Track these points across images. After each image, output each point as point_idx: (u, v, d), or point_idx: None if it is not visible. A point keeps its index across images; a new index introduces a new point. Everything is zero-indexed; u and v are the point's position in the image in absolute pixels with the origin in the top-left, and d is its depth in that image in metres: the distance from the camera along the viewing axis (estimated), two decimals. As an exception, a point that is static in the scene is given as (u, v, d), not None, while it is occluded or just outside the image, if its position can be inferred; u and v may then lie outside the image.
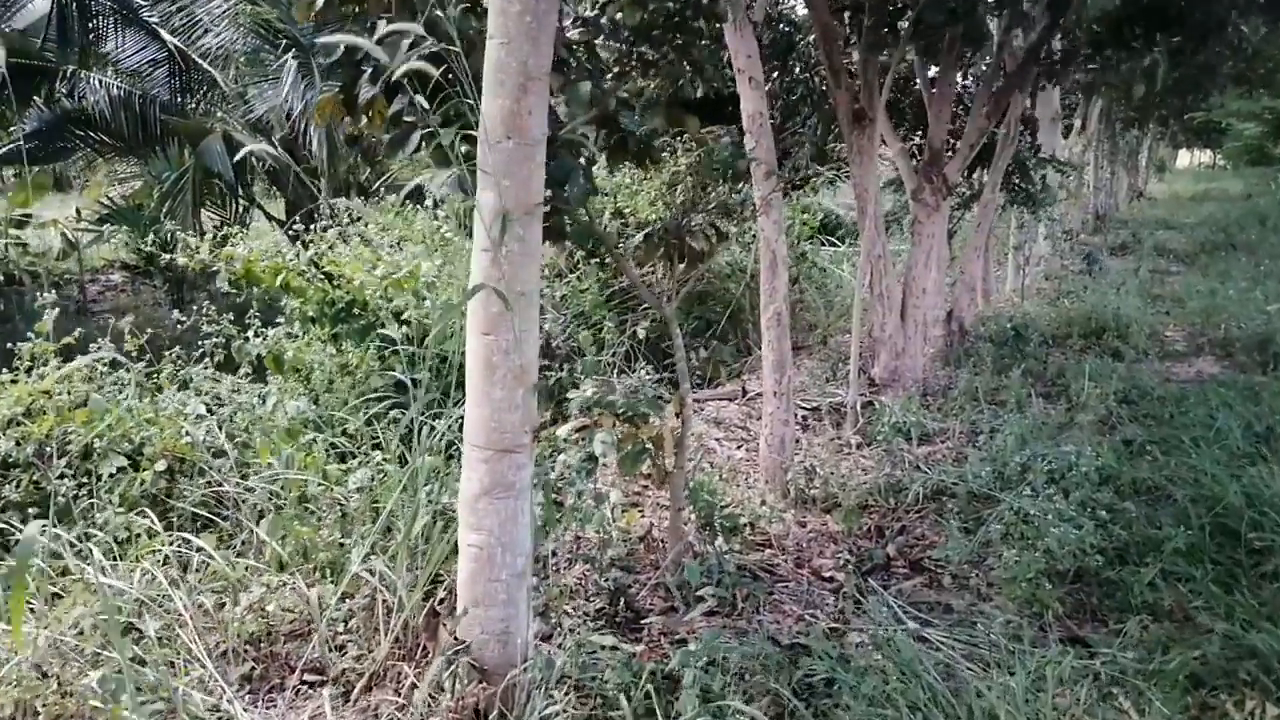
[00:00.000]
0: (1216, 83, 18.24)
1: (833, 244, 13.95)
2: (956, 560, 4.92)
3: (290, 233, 10.81)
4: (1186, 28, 8.05)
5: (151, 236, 10.15)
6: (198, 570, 4.31)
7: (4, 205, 15.07)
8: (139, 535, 4.44)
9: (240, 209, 14.56)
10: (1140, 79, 13.82)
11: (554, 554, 4.69)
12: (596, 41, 4.98)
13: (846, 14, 8.23)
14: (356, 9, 4.15)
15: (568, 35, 4.52)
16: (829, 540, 5.43)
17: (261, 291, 6.67)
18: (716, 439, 7.09)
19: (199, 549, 4.25)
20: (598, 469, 4.73)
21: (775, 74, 10.26)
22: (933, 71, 8.63)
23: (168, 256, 7.72)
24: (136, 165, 15.78)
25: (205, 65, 13.93)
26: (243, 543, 4.62)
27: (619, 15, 4.31)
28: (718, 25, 5.22)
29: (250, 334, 6.29)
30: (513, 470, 3.41)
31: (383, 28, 3.59)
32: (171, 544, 4.29)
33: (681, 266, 5.03)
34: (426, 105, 3.40)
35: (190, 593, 4.02)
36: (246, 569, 4.32)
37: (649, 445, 4.69)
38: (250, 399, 5.67)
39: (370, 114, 4.14)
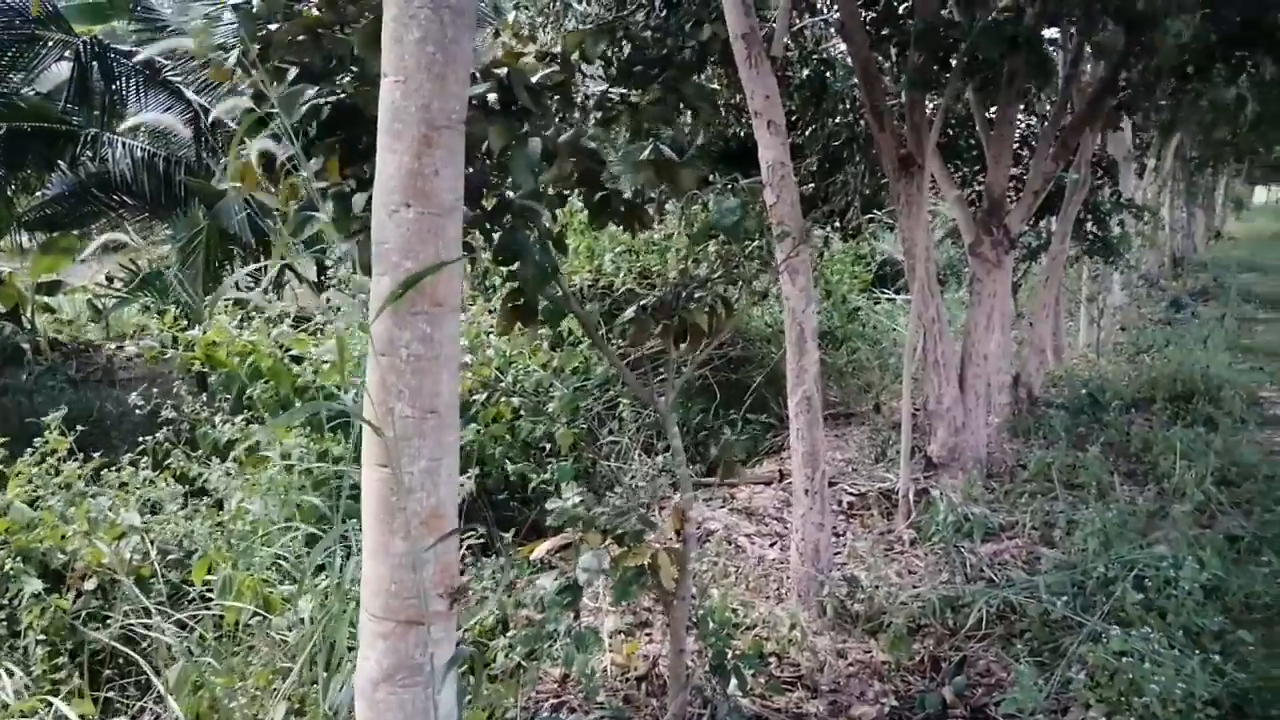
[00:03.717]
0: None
1: (889, 297, 12.98)
2: (1029, 711, 3.93)
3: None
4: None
5: (156, 305, 9.58)
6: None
7: (30, 272, 14.72)
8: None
9: (269, 271, 14.01)
10: (1225, 114, 12.74)
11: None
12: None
13: (892, 48, 7.39)
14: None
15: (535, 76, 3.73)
16: (872, 675, 4.46)
17: (232, 375, 5.94)
18: (747, 534, 6.16)
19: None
20: (581, 599, 3.87)
21: (811, 116, 9.46)
22: (992, 111, 7.72)
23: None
24: (168, 228, 15.42)
25: (232, 124, 13.46)
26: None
27: (576, 54, 3.51)
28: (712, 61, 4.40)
29: (217, 420, 5.57)
30: (420, 649, 2.55)
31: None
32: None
33: (684, 345, 4.18)
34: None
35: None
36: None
37: (645, 568, 3.81)
38: (202, 502, 4.92)
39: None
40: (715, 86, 9.98)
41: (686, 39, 3.88)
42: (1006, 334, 8.55)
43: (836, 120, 9.01)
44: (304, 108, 3.20)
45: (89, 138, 12.94)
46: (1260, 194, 61.22)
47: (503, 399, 5.84)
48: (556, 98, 3.77)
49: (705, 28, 3.82)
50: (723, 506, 6.55)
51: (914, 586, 5.31)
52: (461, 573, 2.93)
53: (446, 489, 2.58)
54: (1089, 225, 9.81)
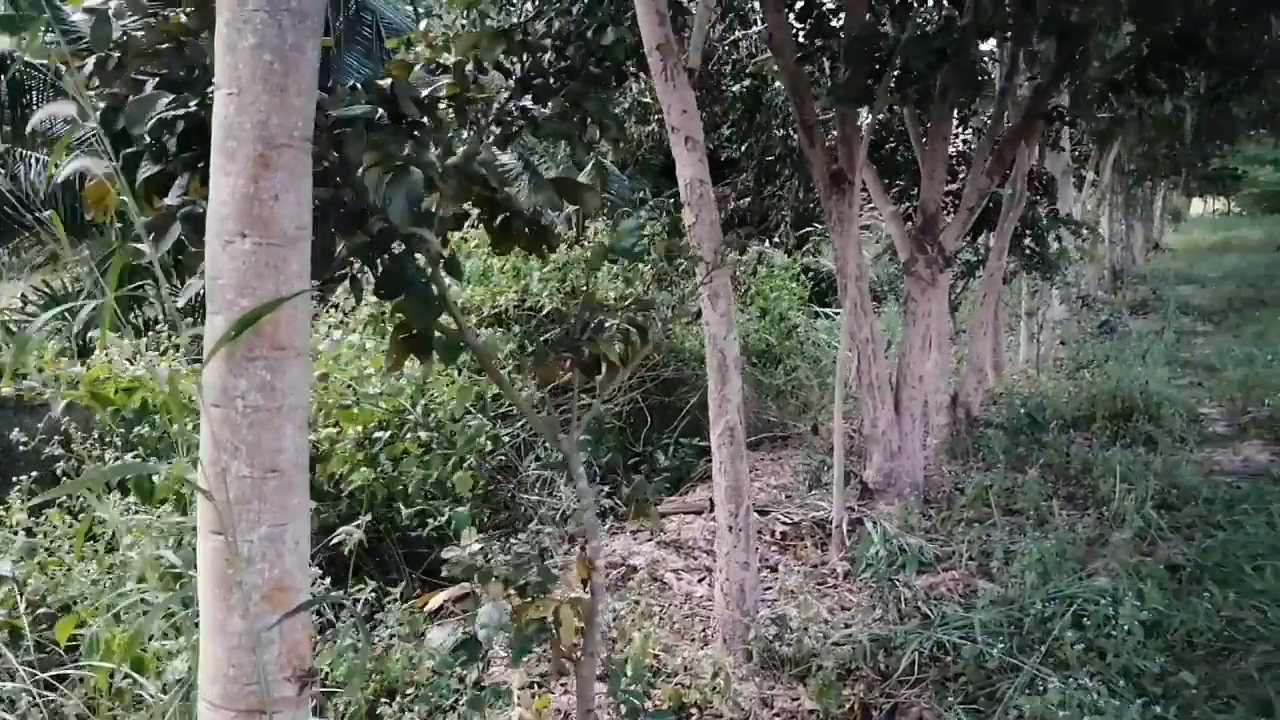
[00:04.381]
0: (1238, 129, 17.26)
1: (830, 314, 12.79)
2: (963, 767, 3.68)
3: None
4: (1221, 66, 6.92)
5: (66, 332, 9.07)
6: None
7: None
8: None
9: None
10: (1164, 127, 12.77)
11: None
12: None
13: (825, 61, 7.18)
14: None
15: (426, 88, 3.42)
16: (799, 727, 4.19)
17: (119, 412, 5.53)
18: (674, 570, 5.87)
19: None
20: (481, 656, 3.55)
21: (746, 131, 9.27)
22: (928, 125, 7.53)
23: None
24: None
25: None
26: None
27: (469, 61, 3.21)
28: (629, 70, 4.11)
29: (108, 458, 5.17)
30: (262, 744, 2.23)
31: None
32: None
33: (600, 376, 3.89)
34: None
35: None
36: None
37: (548, 623, 3.51)
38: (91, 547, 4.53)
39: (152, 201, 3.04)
40: (647, 99, 9.76)
41: (589, 47, 3.59)
42: (944, 353, 8.36)
43: (770, 135, 8.81)
44: (152, 120, 2.86)
45: (-1, 154, 12.40)
46: (1197, 206, 62.37)
47: (408, 434, 5.50)
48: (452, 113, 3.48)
49: (608, 32, 3.52)
50: (650, 539, 6.26)
51: (846, 625, 5.05)
52: (316, 652, 2.61)
53: (293, 558, 2.26)
54: (1027, 241, 9.68)
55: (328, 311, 6.69)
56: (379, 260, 3.15)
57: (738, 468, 4.67)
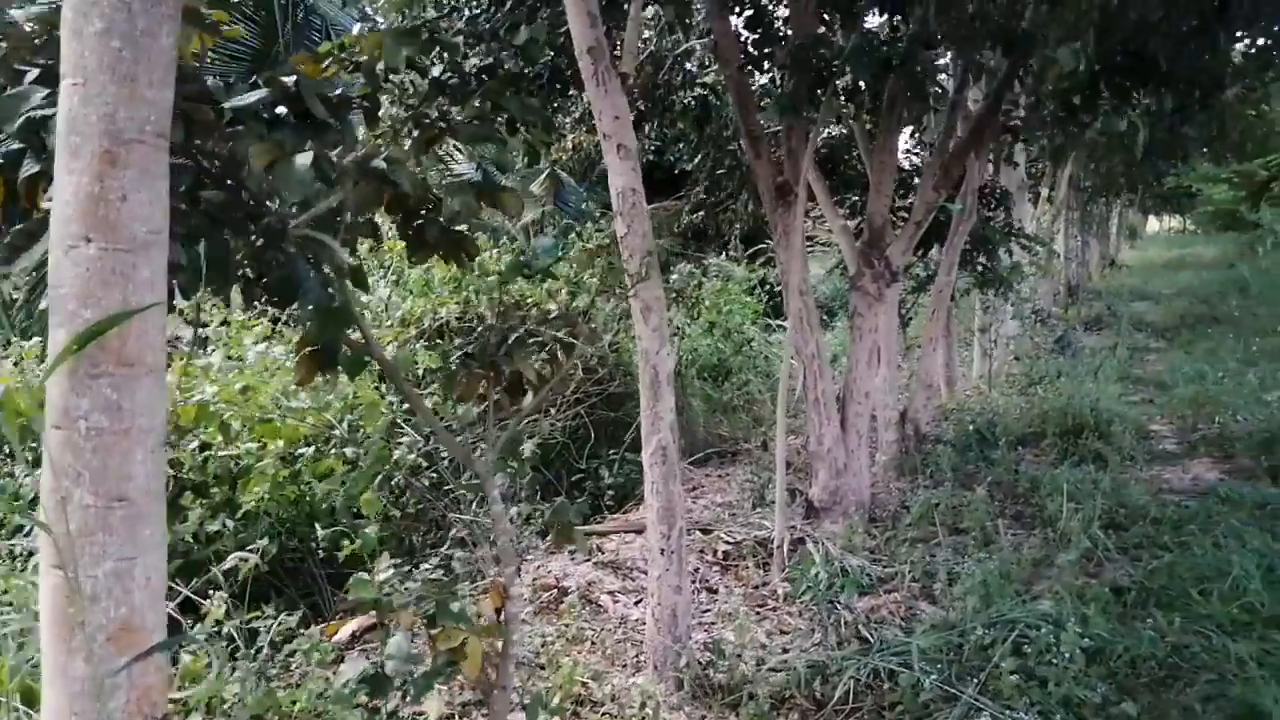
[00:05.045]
0: (1190, 148, 17.36)
1: (784, 328, 12.65)
2: (895, 805, 3.51)
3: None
4: (1172, 85, 6.86)
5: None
6: None
7: None
8: None
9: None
10: (1117, 145, 12.78)
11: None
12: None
13: (775, 70, 7.04)
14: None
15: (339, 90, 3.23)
16: (729, 761, 4.01)
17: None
18: (610, 591, 5.68)
19: None
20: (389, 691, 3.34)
21: (698, 143, 9.13)
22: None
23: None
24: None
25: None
26: None
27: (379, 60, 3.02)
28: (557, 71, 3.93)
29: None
30: (106, 801, 2.01)
31: None
32: None
33: (528, 395, 3.70)
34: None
35: None
36: None
37: (456, 657, 3.31)
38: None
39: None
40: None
41: (503, 46, 3.41)
42: (892, 369, 8.26)
43: (720, 148, 8.68)
44: (23, 117, 2.65)
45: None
46: (1154, 223, 63.11)
47: (333, 450, 5.28)
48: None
49: (522, 30, 3.34)
50: (587, 559, 6.07)
51: (783, 650, 4.88)
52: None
53: (144, 595, 2.05)
54: (979, 257, 9.60)
55: (257, 321, 6.45)
56: (273, 264, 2.97)
57: (670, 488, 4.49)
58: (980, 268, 9.69)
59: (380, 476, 5.43)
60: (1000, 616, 4.82)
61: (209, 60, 3.09)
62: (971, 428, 8.63)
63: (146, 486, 2.04)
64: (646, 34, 7.93)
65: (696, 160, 10.02)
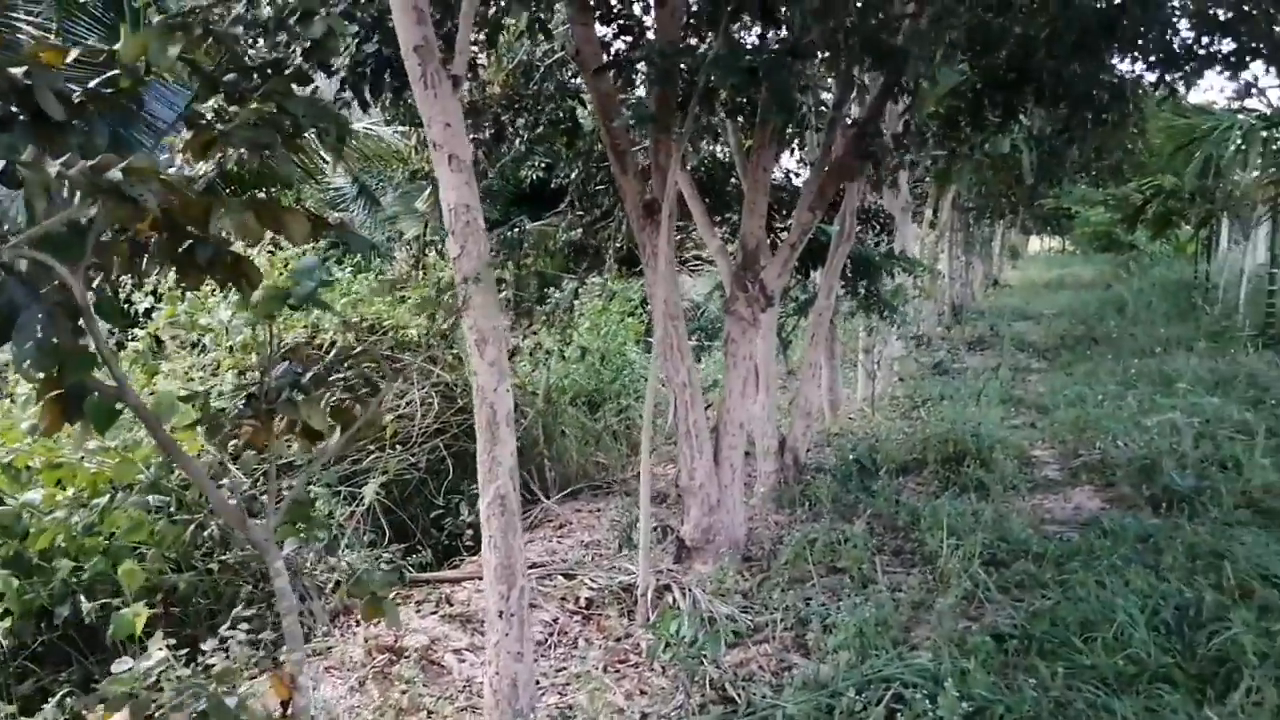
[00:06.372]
0: (1069, 171, 17.62)
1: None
2: None
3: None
4: (1058, 103, 6.67)
5: None
6: None
7: None
8: None
9: None
10: (1002, 166, 12.75)
11: None
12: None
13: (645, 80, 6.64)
14: None
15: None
16: None
17: None
18: (456, 649, 5.15)
19: None
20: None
21: (570, 158, 8.70)
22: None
23: None
24: None
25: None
26: None
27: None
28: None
29: None
30: None
31: None
32: None
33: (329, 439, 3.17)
34: None
35: None
36: None
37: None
38: None
39: None
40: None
41: (290, 37, 2.90)
42: (771, 396, 7.91)
43: (592, 163, 8.26)
44: None
45: None
46: (1035, 243, 64.93)
47: (133, 500, 4.64)
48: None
49: (316, 24, 2.82)
50: (434, 612, 5.53)
51: (642, 715, 4.43)
52: None
53: None
54: (862, 280, 9.37)
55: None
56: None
57: (510, 542, 4.00)
58: (864, 291, 9.45)
59: (194, 526, 4.82)
60: (875, 673, 4.46)
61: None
62: (852, 456, 8.33)
63: None
64: (507, 39, 7.44)
65: (572, 175, 9.58)
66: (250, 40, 2.81)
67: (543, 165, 10.96)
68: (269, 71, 2.85)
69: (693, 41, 5.79)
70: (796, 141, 8.41)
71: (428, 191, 12.32)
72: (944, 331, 19.18)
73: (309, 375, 3.03)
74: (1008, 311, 24.05)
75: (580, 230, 10.25)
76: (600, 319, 10.51)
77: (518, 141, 8.60)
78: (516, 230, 11.94)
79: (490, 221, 13.62)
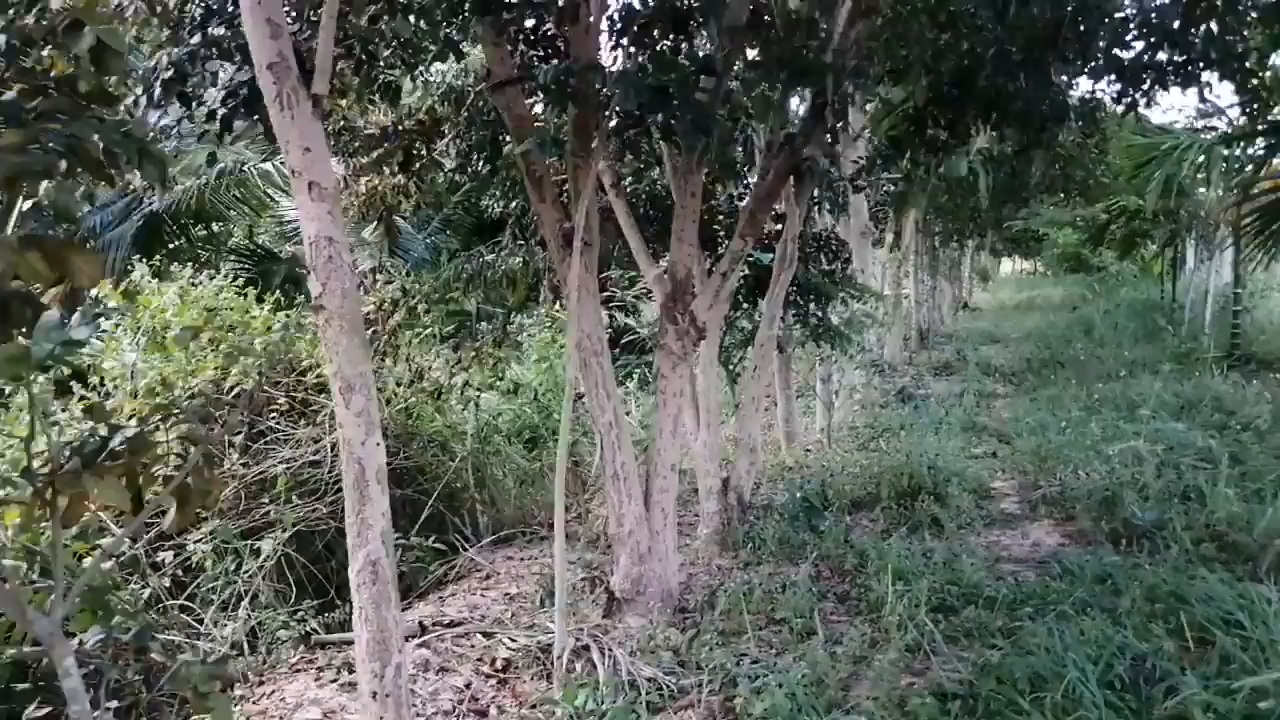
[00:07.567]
0: (1031, 192, 17.45)
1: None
2: None
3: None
4: (1007, 119, 6.37)
5: None
6: None
7: None
8: None
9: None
10: (958, 189, 12.50)
11: None
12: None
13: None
14: None
15: None
16: None
17: None
18: (355, 722, 4.71)
19: None
20: None
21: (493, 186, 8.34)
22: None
23: None
24: None
25: None
26: None
27: None
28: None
29: None
30: None
31: None
32: None
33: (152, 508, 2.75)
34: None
35: None
36: None
37: None
38: None
39: None
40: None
41: (65, 51, 2.50)
42: (715, 433, 7.52)
43: (518, 190, 7.90)
44: None
45: None
46: (1007, 265, 65.10)
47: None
48: None
49: (85, 35, 2.41)
50: (334, 680, 5.09)
51: (546, 798, 4.01)
52: None
53: None
54: (812, 308, 9.02)
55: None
56: None
57: (384, 615, 3.58)
58: (814, 320, 9.10)
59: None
60: (805, 744, 4.05)
61: None
62: (799, 495, 7.94)
63: None
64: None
65: (510, 205, 9.22)
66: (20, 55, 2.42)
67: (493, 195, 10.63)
68: (56, 90, 2.47)
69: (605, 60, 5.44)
70: (747, 168, 8.08)
71: (376, 224, 11.96)
72: (909, 357, 18.88)
73: (119, 440, 2.63)
74: (975, 335, 23.82)
75: (521, 260, 9.88)
76: (549, 350, 10.14)
77: (447, 166, 8.25)
78: (477, 262, 11.59)
79: (450, 252, 13.26)
